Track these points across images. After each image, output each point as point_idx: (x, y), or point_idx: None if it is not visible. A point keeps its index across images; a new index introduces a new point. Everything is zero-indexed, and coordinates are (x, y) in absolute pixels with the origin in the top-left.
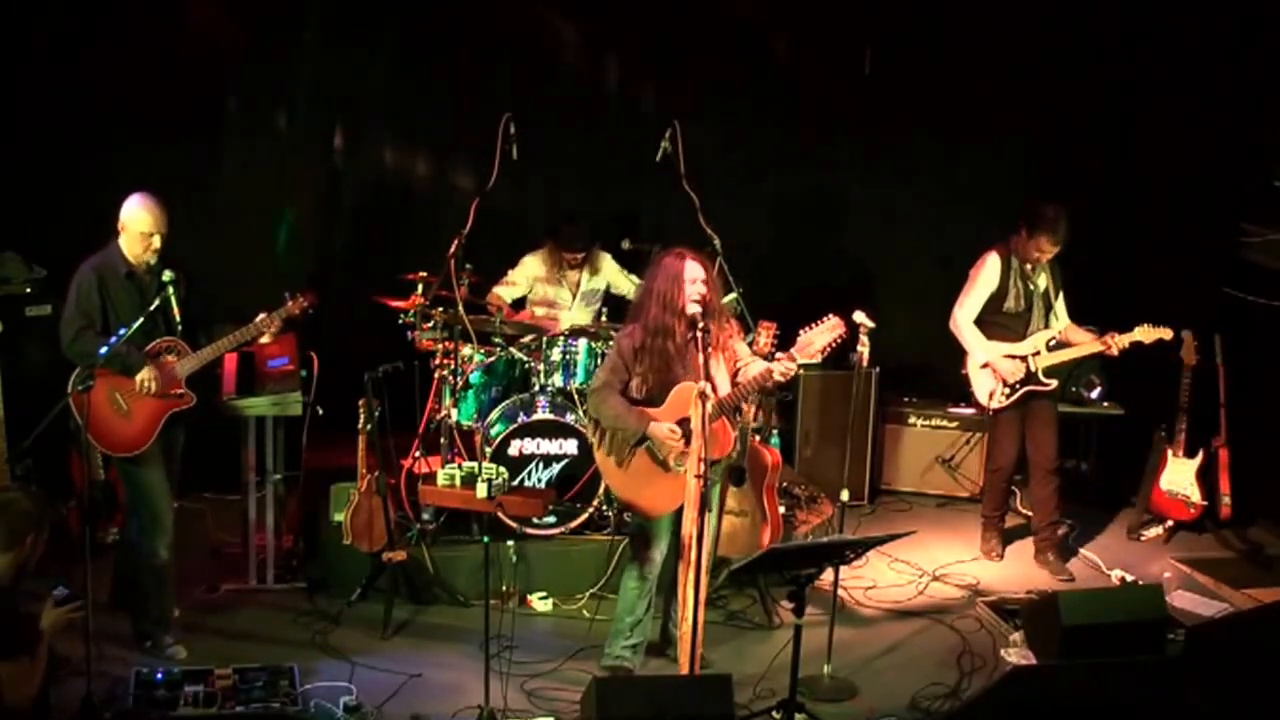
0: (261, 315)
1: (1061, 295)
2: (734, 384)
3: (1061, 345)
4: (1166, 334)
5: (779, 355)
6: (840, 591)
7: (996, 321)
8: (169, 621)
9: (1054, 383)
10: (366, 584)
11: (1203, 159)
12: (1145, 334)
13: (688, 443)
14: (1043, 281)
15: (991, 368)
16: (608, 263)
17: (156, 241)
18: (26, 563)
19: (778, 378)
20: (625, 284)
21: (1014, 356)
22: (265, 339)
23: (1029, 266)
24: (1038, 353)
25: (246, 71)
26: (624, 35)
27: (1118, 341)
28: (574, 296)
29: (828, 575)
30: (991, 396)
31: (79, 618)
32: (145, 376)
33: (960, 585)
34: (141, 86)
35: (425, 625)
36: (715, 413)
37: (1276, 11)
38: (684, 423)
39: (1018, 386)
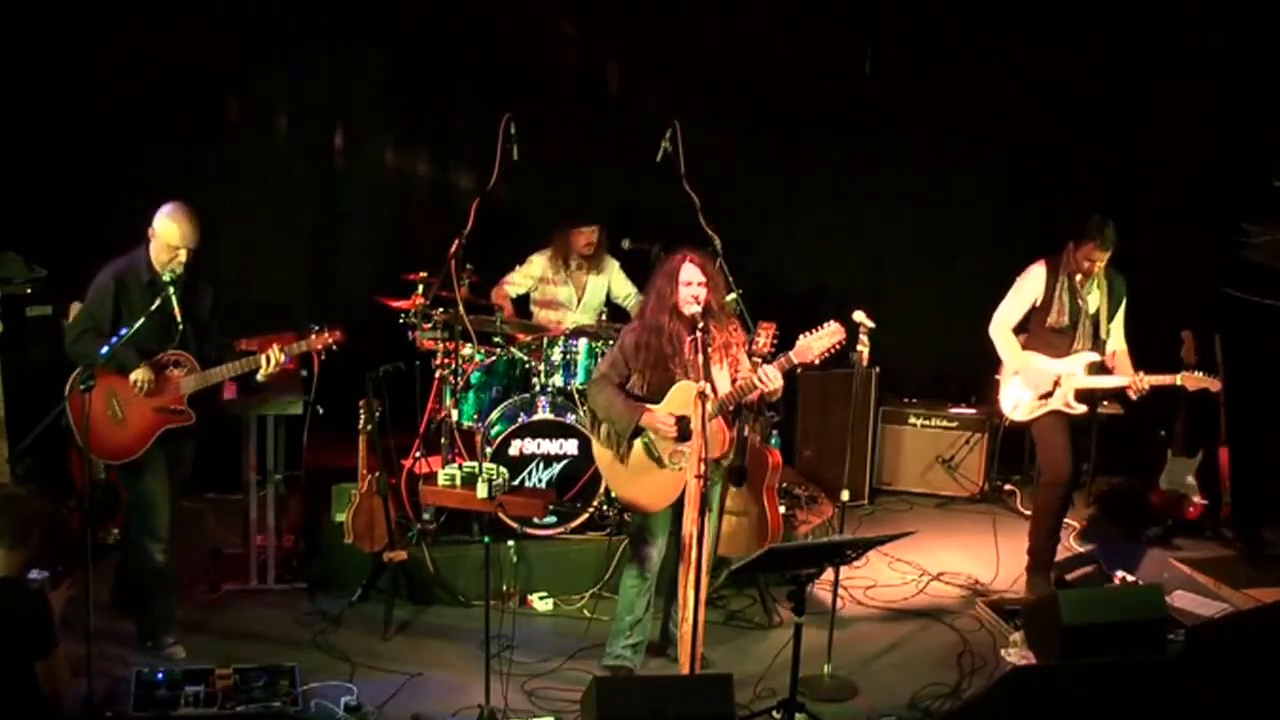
0: (274, 347)
1: (1119, 320)
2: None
3: (1104, 371)
4: (1214, 385)
5: (779, 359)
6: (840, 591)
7: (1041, 335)
8: (170, 622)
9: (1083, 408)
10: (367, 584)
11: (1203, 159)
12: (1189, 380)
13: (680, 437)
14: (1094, 301)
15: (1021, 377)
16: (613, 267)
17: (183, 255)
18: (32, 561)
19: (758, 383)
20: (626, 289)
21: (1047, 372)
22: (278, 368)
23: (1079, 280)
24: (1072, 374)
25: (247, 72)
26: (624, 35)
27: (1139, 384)
28: (579, 299)
29: (828, 575)
30: (1015, 408)
31: (74, 593)
32: (140, 376)
33: (960, 585)
34: (142, 87)
35: (425, 625)
36: (714, 411)
37: (1276, 11)
38: (681, 420)
39: (1044, 400)
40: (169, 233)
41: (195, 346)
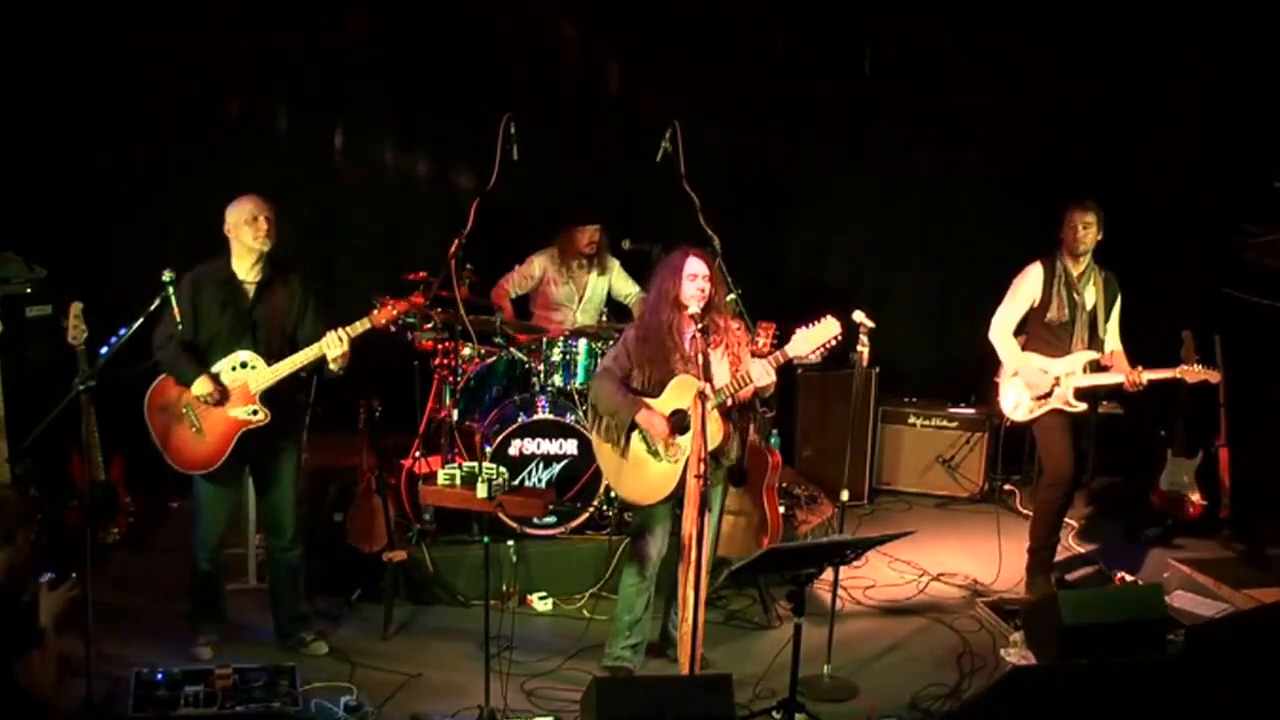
0: (330, 332)
1: (1115, 319)
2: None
3: (1102, 369)
4: (1214, 376)
5: (771, 355)
6: (840, 591)
7: (1041, 335)
8: (203, 621)
9: (1083, 405)
10: (367, 584)
11: (1203, 159)
12: (1188, 373)
13: (676, 431)
14: (1091, 297)
15: (1021, 377)
16: (615, 267)
17: (263, 224)
18: (20, 563)
19: (751, 375)
20: (629, 288)
21: (1047, 372)
22: (340, 350)
23: (1077, 274)
24: (1072, 373)
25: (247, 72)
26: (624, 35)
27: (1137, 377)
28: (580, 299)
29: (828, 575)
30: (1016, 408)
31: (75, 595)
32: (201, 390)
33: (960, 585)
34: (141, 87)
35: (425, 625)
36: (714, 404)
37: (1276, 12)
38: (676, 415)
39: (1043, 400)
40: (242, 210)
41: (266, 346)
